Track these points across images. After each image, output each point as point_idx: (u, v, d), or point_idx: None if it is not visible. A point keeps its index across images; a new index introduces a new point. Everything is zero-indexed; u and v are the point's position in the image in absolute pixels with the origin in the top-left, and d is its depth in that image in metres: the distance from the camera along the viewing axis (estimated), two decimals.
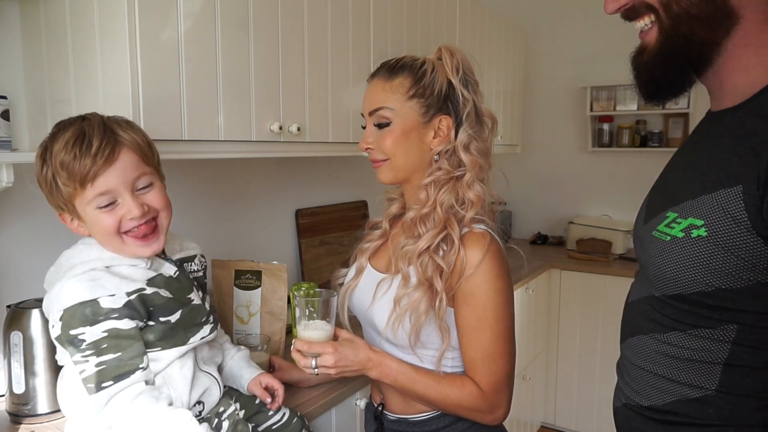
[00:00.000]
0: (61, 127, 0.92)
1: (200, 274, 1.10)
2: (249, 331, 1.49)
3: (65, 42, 1.23)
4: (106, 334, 0.86)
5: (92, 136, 0.89)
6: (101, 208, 0.90)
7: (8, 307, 1.21)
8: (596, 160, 3.29)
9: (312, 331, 1.03)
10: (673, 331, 0.77)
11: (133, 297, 0.90)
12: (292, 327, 1.51)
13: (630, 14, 0.80)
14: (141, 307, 0.90)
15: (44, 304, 0.93)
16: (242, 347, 1.18)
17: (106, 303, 0.87)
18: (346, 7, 1.71)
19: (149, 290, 0.92)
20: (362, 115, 1.14)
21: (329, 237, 2.24)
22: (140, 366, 0.89)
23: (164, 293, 0.95)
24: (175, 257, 1.04)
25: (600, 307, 2.83)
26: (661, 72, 0.79)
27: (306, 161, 2.17)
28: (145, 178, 0.94)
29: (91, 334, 0.86)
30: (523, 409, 2.80)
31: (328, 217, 2.26)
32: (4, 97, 1.20)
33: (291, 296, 1.56)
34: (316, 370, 1.02)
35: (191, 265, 1.08)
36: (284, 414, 1.14)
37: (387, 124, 1.08)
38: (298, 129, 1.52)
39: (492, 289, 1.02)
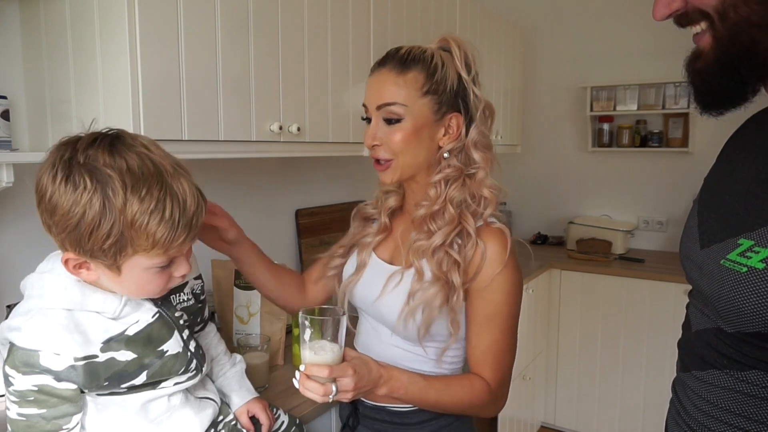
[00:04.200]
0: (129, 171, 0.75)
1: (190, 302, 0.97)
2: (249, 331, 1.49)
3: (65, 42, 1.23)
4: (35, 388, 0.78)
5: (185, 196, 0.78)
6: (159, 268, 0.81)
7: (8, 307, 1.21)
8: (596, 160, 3.29)
9: (326, 353, 0.91)
10: (752, 370, 0.70)
11: (80, 364, 0.79)
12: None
13: (682, 20, 0.73)
14: (87, 377, 0.80)
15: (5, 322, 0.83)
16: (237, 361, 1.11)
17: (45, 360, 0.77)
18: (346, 7, 1.71)
19: (102, 357, 0.81)
20: (364, 106, 1.06)
21: (329, 237, 2.24)
22: (64, 427, 0.81)
23: (123, 357, 0.83)
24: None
25: (600, 307, 2.83)
26: (717, 82, 0.72)
27: (306, 161, 2.17)
28: None
29: (21, 382, 0.78)
30: (523, 409, 2.80)
31: (328, 217, 2.26)
32: (4, 97, 1.20)
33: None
34: (332, 396, 0.91)
35: (179, 296, 0.95)
36: (283, 422, 1.12)
37: (398, 121, 1.02)
38: (298, 129, 1.52)
39: (509, 283, 1.02)
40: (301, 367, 0.91)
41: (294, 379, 0.92)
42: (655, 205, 3.14)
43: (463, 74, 1.04)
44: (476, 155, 1.05)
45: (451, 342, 1.04)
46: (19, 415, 0.79)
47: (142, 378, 0.85)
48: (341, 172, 2.35)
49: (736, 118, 0.84)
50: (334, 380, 0.90)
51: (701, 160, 2.86)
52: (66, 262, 0.80)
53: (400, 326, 1.04)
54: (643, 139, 3.09)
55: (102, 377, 0.81)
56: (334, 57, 1.66)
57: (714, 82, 0.72)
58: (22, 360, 0.77)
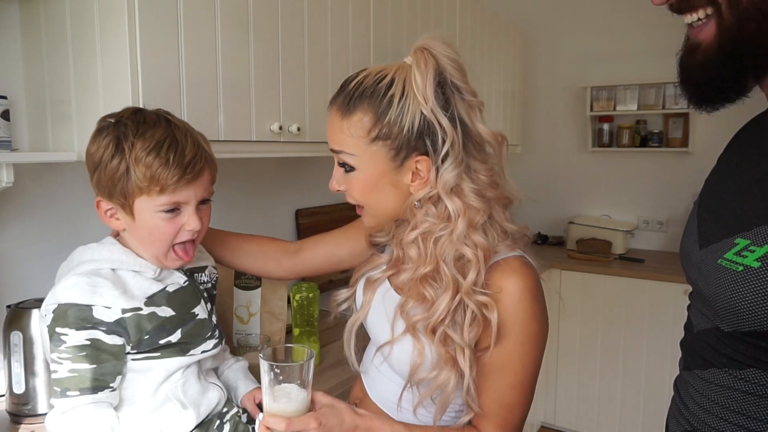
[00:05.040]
0: (143, 122, 0.89)
1: (209, 285, 1.07)
2: (249, 331, 1.49)
3: (65, 42, 1.23)
4: (88, 342, 0.86)
5: (185, 146, 0.89)
6: (165, 212, 0.90)
7: (8, 307, 1.21)
8: (596, 160, 3.29)
9: (288, 402, 0.81)
10: (749, 368, 0.71)
11: (127, 315, 0.88)
12: (292, 327, 1.50)
13: (682, 6, 0.70)
14: (133, 328, 0.88)
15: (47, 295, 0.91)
16: (241, 359, 1.15)
17: (98, 313, 0.86)
18: (346, 7, 1.71)
19: (145, 311, 0.90)
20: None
21: None
22: (110, 384, 0.88)
23: (163, 312, 0.92)
24: (186, 267, 1.02)
25: (600, 307, 2.83)
26: (719, 74, 0.70)
27: (306, 161, 2.17)
28: (208, 195, 0.97)
29: (74, 338, 0.85)
30: None
31: (328, 217, 2.26)
32: (4, 97, 1.20)
33: (290, 308, 1.56)
34: None
35: (201, 276, 1.05)
36: None
37: (352, 169, 0.91)
38: (298, 129, 1.52)
39: (524, 332, 0.87)
40: (260, 416, 0.82)
41: (254, 428, 0.84)
42: (655, 205, 3.14)
43: (425, 110, 0.84)
44: (451, 205, 0.86)
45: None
46: (71, 371, 0.85)
47: (177, 335, 0.93)
48: None
49: (736, 119, 0.84)
50: None
51: (701, 160, 2.86)
52: (98, 205, 0.93)
53: (407, 413, 0.94)
54: (643, 139, 3.09)
55: (144, 330, 0.90)
56: (334, 57, 1.66)
57: (716, 73, 0.70)
58: (77, 316, 0.85)
